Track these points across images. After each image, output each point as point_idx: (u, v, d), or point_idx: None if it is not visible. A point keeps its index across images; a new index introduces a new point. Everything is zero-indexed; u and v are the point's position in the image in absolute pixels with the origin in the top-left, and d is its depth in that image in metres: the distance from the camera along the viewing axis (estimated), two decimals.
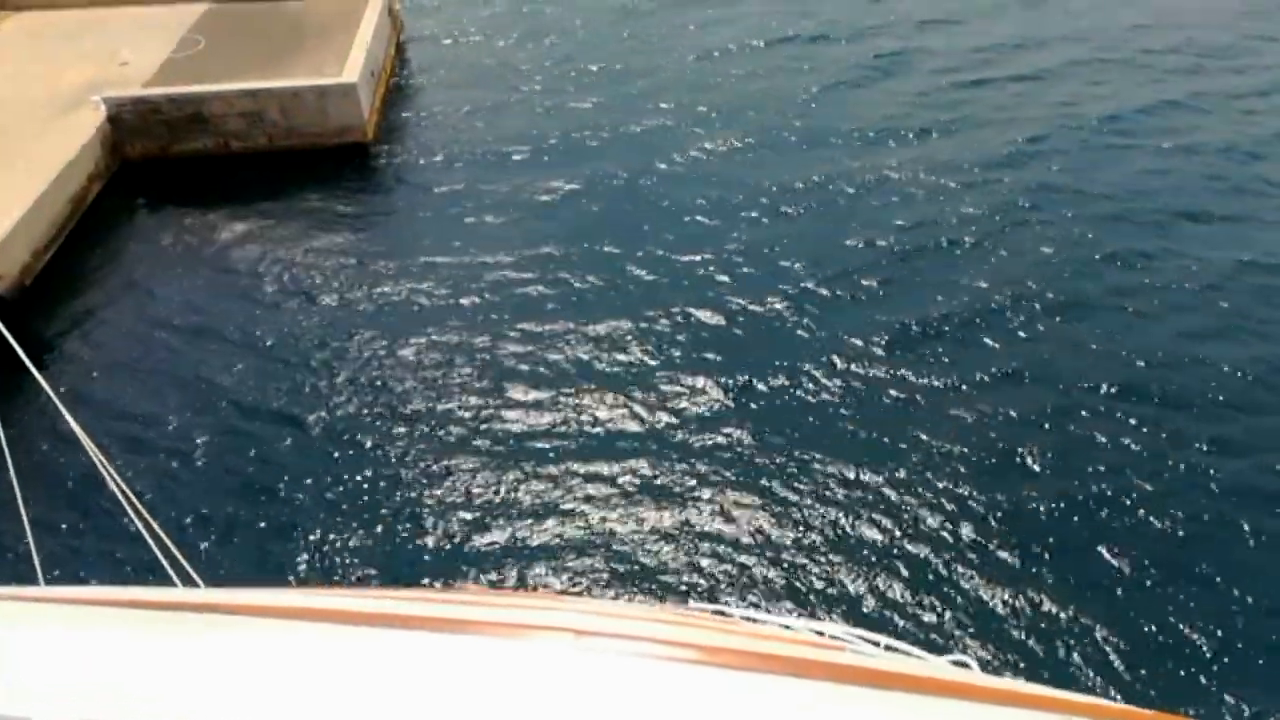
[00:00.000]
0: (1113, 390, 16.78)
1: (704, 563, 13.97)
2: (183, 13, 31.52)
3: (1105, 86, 28.51)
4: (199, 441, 16.29)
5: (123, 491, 6.68)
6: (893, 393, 16.96)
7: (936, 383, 17.15)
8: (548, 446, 16.03)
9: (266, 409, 17.02)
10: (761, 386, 17.34)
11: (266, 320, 19.34)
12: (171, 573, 6.39)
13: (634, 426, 16.44)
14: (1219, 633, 12.80)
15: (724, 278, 20.21)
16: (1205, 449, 15.56)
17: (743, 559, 14.02)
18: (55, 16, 31.43)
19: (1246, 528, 14.22)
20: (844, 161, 24.63)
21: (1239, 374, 17.11)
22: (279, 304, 19.90)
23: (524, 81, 29.71)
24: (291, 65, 27.68)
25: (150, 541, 6.49)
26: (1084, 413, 16.32)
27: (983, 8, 34.83)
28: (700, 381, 17.40)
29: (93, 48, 29.08)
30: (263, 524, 14.72)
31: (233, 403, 17.17)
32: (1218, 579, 13.51)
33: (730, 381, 17.37)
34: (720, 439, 16.12)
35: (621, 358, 18.01)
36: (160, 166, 25.11)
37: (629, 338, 18.50)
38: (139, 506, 6.42)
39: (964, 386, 17.04)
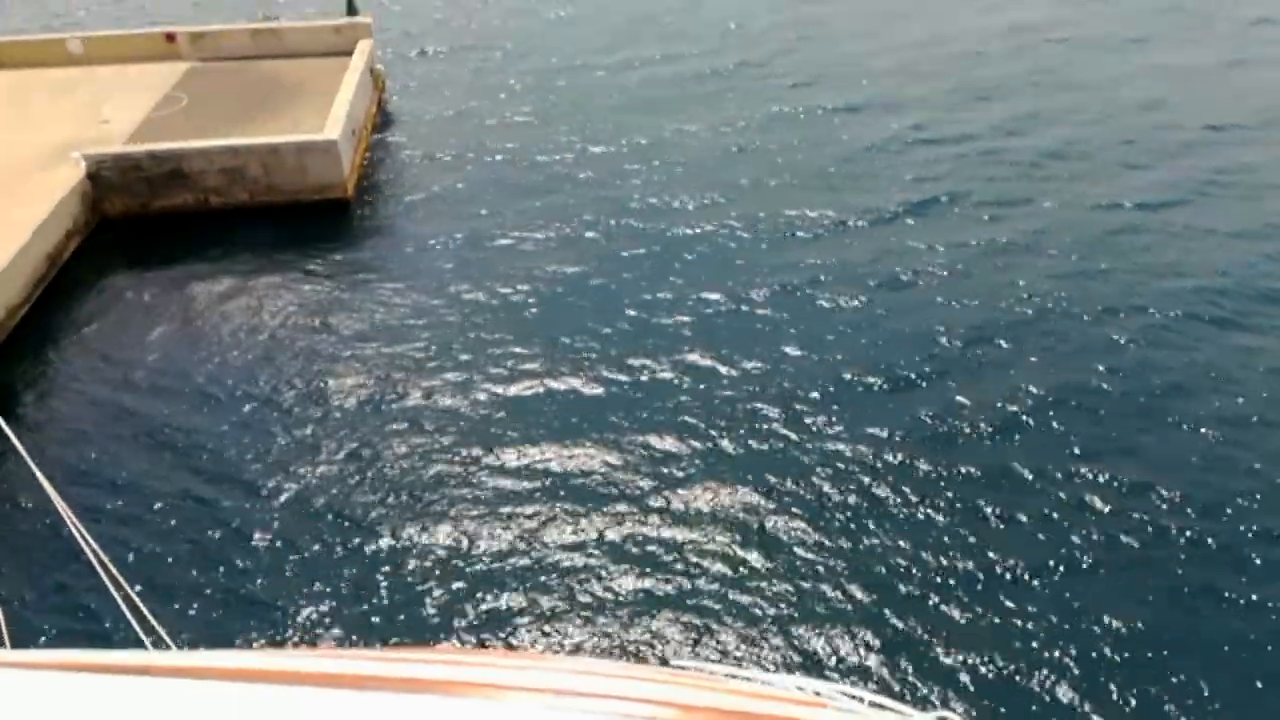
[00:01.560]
0: (1116, 485, 16.18)
1: (686, 620, 13.82)
2: (166, 71, 31.80)
3: (1118, 165, 28.07)
4: (171, 505, 15.98)
5: (94, 552, 6.56)
6: (887, 483, 16.32)
7: (925, 473, 16.49)
8: (524, 511, 15.74)
9: (240, 473, 16.69)
10: (735, 448, 17.29)
11: (243, 383, 19.07)
12: (142, 634, 6.27)
13: (611, 489, 16.19)
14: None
15: (706, 345, 19.78)
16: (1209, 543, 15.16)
17: (726, 618, 13.88)
18: (38, 74, 31.62)
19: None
20: (831, 244, 24.00)
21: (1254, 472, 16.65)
22: (256, 366, 19.62)
23: (507, 141, 29.89)
24: (273, 122, 27.91)
25: (121, 603, 6.36)
26: (1081, 512, 15.78)
27: (984, 84, 34.64)
28: (673, 442, 17.21)
29: (75, 105, 29.23)
30: (232, 587, 14.45)
31: (206, 465, 16.87)
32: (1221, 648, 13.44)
33: (709, 447, 17.12)
34: (703, 503, 15.91)
35: (601, 424, 17.67)
36: (139, 223, 25.09)
37: (609, 404, 18.17)
38: (110, 568, 6.31)
39: (959, 482, 16.29)
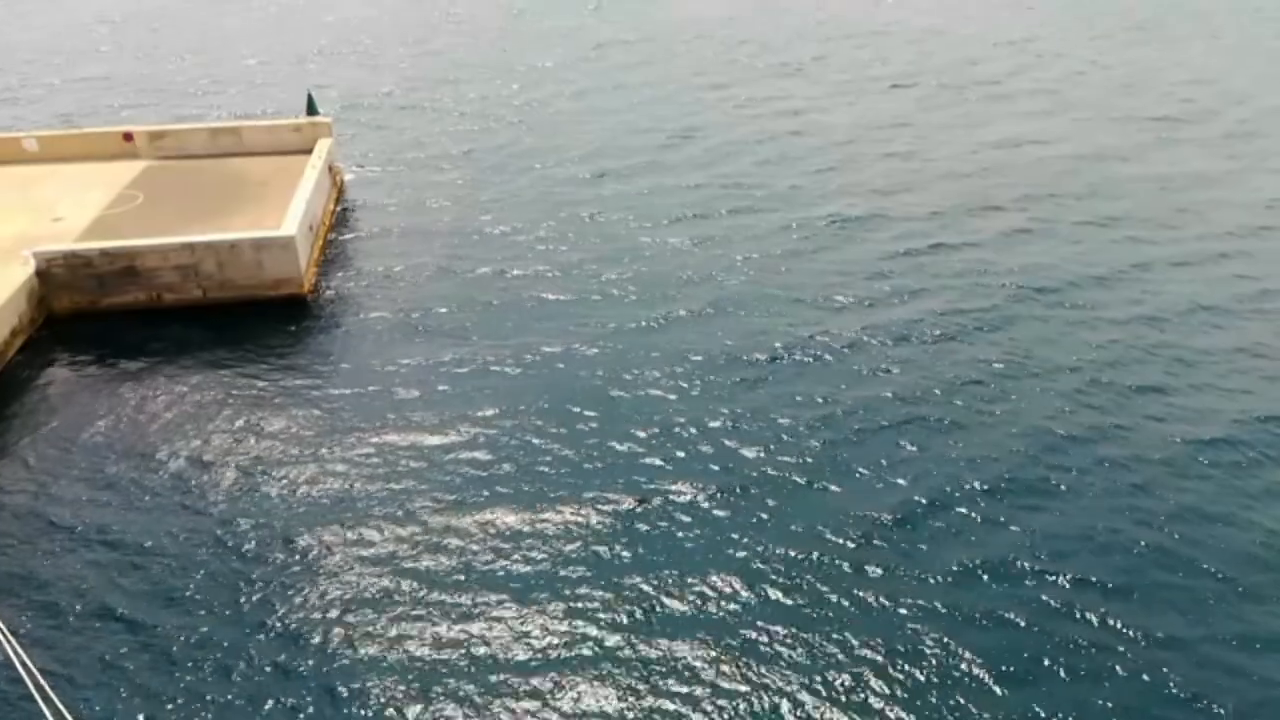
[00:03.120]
0: (1072, 577, 16.09)
1: None
2: (122, 169, 31.73)
3: (1067, 248, 28.92)
4: (108, 623, 15.27)
5: (25, 668, 6.14)
6: (851, 583, 16.02)
7: (895, 572, 16.23)
8: (459, 635, 15.02)
9: (175, 590, 15.88)
10: (686, 598, 17.03)
11: (187, 492, 18.34)
12: None
13: (570, 603, 15.63)
14: None
15: (669, 456, 19.21)
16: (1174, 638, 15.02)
17: None
18: None
19: None
20: (794, 330, 24.14)
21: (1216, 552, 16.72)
22: (200, 475, 18.84)
23: (465, 241, 29.86)
24: (230, 219, 27.81)
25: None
26: (1046, 600, 15.66)
27: (937, 168, 35.85)
28: (636, 575, 16.59)
29: (28, 203, 28.95)
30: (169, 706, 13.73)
31: (143, 585, 16.06)
32: None
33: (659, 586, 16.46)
34: (679, 618, 15.42)
35: (555, 536, 17.02)
36: (88, 320, 24.61)
37: (558, 533, 17.28)
38: (46, 689, 5.89)
39: (924, 577, 16.06)
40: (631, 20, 66.22)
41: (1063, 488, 18.47)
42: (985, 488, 18.38)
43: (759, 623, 15.20)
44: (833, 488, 18.49)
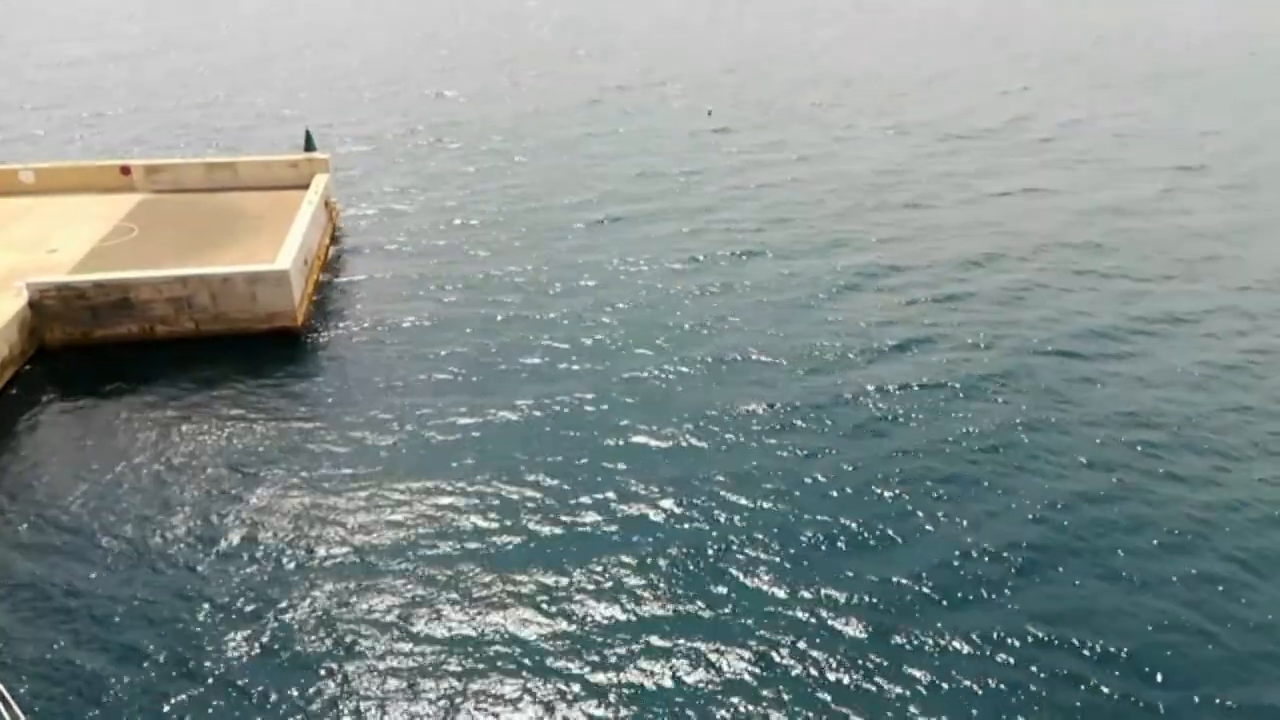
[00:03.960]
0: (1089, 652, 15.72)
1: None
2: (118, 202, 31.83)
3: (1076, 303, 28.58)
4: (98, 661, 15.06)
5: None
6: (863, 649, 15.63)
7: (907, 642, 15.80)
8: (446, 679, 14.76)
9: (142, 640, 15.52)
10: (678, 608, 16.86)
11: (167, 532, 18.10)
12: None
13: (549, 660, 15.32)
14: None
15: (663, 509, 18.92)
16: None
17: None
18: None
19: None
20: (796, 383, 23.80)
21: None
22: (182, 514, 18.62)
23: (457, 276, 29.94)
24: (225, 252, 27.85)
25: None
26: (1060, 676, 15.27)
27: (948, 221, 35.50)
28: (616, 603, 16.66)
29: (24, 235, 28.98)
30: None
31: (129, 621, 15.86)
32: None
33: (652, 609, 16.59)
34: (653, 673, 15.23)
35: (540, 584, 16.76)
36: (80, 351, 24.54)
37: (549, 559, 17.25)
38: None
39: (939, 643, 15.72)
40: (633, 66, 67.05)
41: (1077, 553, 17.90)
42: (999, 551, 17.82)
43: (764, 689, 14.75)
44: (834, 546, 18.03)
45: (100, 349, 24.65)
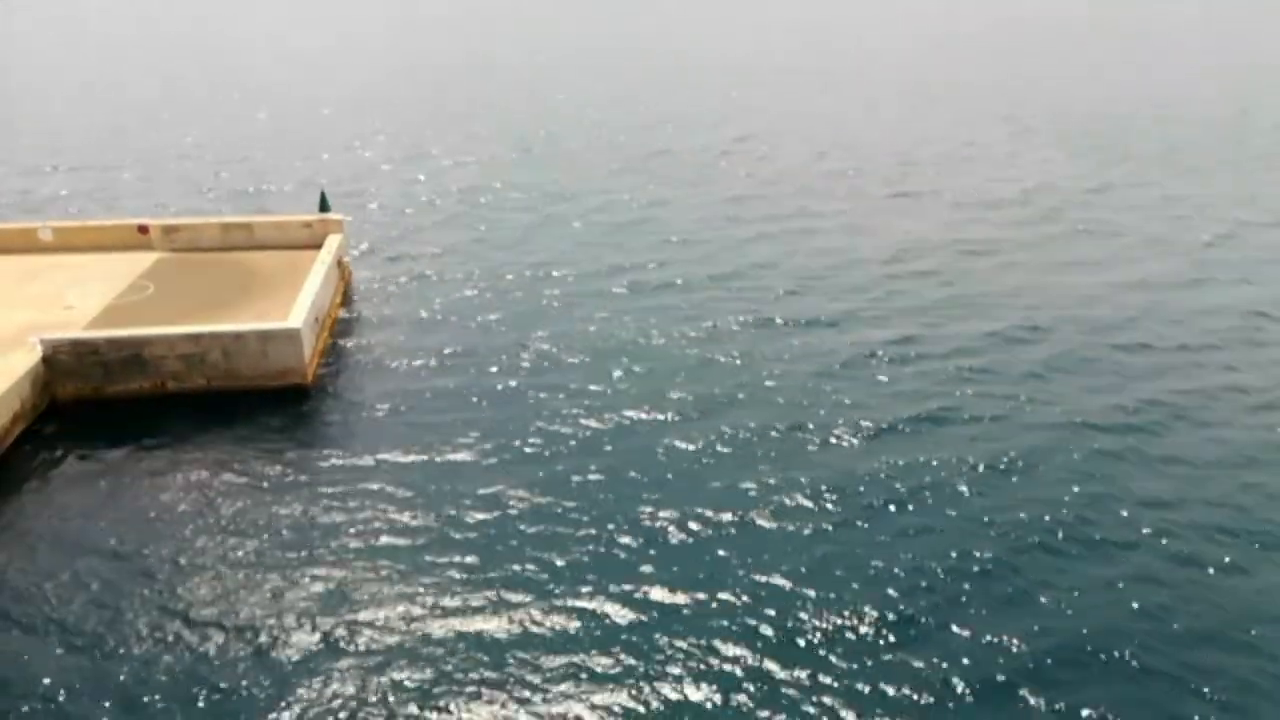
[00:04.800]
0: None
1: None
2: (135, 260, 32.37)
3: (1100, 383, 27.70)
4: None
5: None
6: None
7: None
8: None
9: (169, 686, 15.64)
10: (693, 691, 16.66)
11: (176, 589, 18.10)
12: None
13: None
14: None
15: (666, 569, 18.69)
16: None
17: None
18: (8, 261, 31.99)
19: None
20: (803, 457, 23.25)
21: None
22: (190, 571, 18.59)
23: (467, 339, 30.03)
24: (238, 310, 28.23)
25: None
26: None
27: (978, 294, 34.89)
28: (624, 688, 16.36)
29: (41, 292, 29.46)
30: None
31: (138, 677, 15.85)
32: None
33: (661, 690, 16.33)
34: None
35: (545, 660, 16.44)
36: (91, 407, 24.77)
37: (554, 637, 16.95)
38: None
39: None
40: (649, 136, 68.18)
41: (1114, 655, 16.98)
42: (1039, 650, 16.95)
43: None
44: (855, 636, 17.37)
45: (112, 404, 24.89)
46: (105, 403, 24.94)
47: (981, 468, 22.82)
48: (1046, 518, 20.83)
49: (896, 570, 18.97)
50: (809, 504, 21.21)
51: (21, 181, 50.29)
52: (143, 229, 33.89)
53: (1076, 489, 22.01)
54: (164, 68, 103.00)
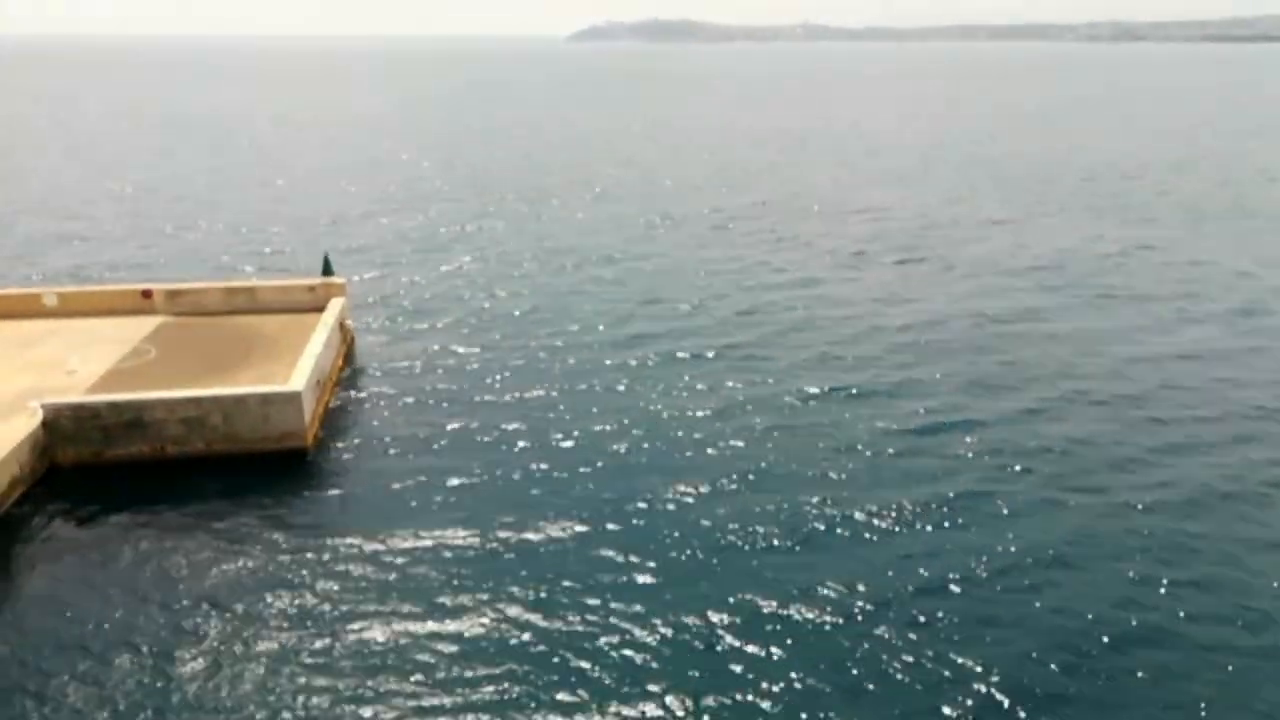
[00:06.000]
0: None
1: None
2: (138, 325, 32.49)
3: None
4: None
5: None
6: None
7: None
8: None
9: None
10: None
11: (176, 654, 17.76)
12: None
13: None
14: None
15: (667, 648, 18.05)
16: None
17: None
18: (12, 326, 32.11)
19: None
20: (806, 509, 23.09)
21: None
22: (192, 635, 18.30)
23: (468, 404, 29.87)
24: (240, 374, 28.21)
25: None
26: None
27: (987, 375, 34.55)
28: None
29: (43, 357, 29.50)
30: None
31: None
32: None
33: None
34: None
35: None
36: (91, 471, 24.58)
37: (548, 703, 16.56)
38: None
39: None
40: (650, 200, 68.95)
41: (1101, 697, 16.90)
42: (1021, 696, 16.82)
43: None
44: (839, 685, 17.19)
45: (111, 469, 24.69)
46: (105, 468, 24.76)
47: (962, 514, 22.80)
48: (1023, 562, 20.76)
49: (891, 622, 18.69)
50: (823, 593, 20.05)
51: (25, 248, 50.77)
52: (146, 293, 34.09)
53: (1073, 538, 21.80)
54: (174, 142, 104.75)
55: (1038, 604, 19.59)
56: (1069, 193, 70.72)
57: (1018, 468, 25.67)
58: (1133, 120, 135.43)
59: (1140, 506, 23.59)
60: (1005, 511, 23.32)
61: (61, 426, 24.63)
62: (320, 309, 33.61)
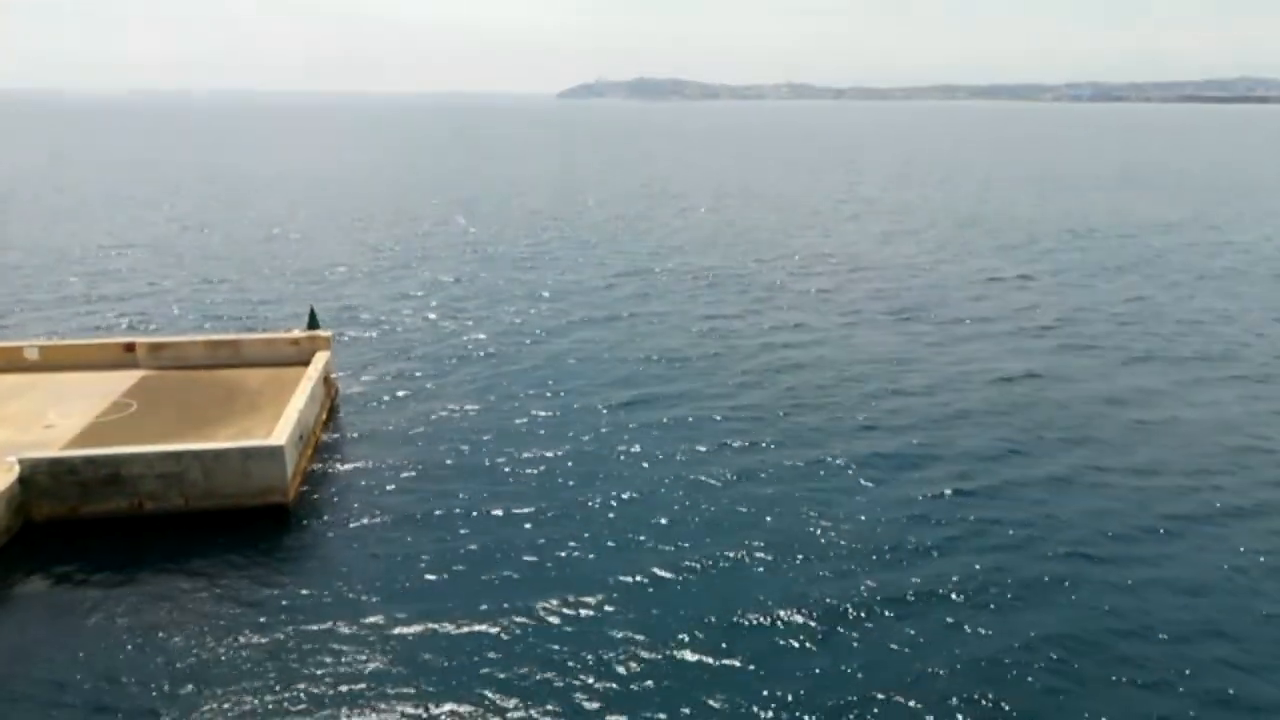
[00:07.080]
0: None
1: None
2: (119, 378, 32.16)
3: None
4: None
5: None
6: None
7: None
8: None
9: None
10: None
11: (157, 714, 17.27)
12: None
13: None
14: None
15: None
16: None
17: None
18: None
19: None
20: (814, 585, 22.14)
21: None
22: (166, 698, 17.75)
23: (454, 459, 29.49)
24: (222, 428, 27.88)
25: None
26: None
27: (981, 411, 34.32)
28: None
29: (22, 410, 29.12)
30: None
31: None
32: None
33: None
34: None
35: None
36: (67, 528, 24.09)
37: None
38: None
39: None
40: (644, 254, 69.30)
41: None
42: None
43: None
44: None
45: (87, 525, 24.21)
46: (81, 524, 24.27)
47: (981, 590, 21.95)
48: (1053, 643, 19.81)
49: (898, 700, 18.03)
50: (807, 645, 19.86)
51: (7, 301, 50.48)
52: (129, 347, 33.82)
53: (1085, 613, 20.89)
54: (161, 196, 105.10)
55: (1062, 697, 18.45)
56: (1063, 247, 71.39)
57: (1039, 538, 24.56)
58: (1129, 178, 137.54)
59: (1162, 579, 22.63)
60: (1026, 588, 22.19)
61: (38, 482, 24.19)
62: (305, 363, 33.37)
